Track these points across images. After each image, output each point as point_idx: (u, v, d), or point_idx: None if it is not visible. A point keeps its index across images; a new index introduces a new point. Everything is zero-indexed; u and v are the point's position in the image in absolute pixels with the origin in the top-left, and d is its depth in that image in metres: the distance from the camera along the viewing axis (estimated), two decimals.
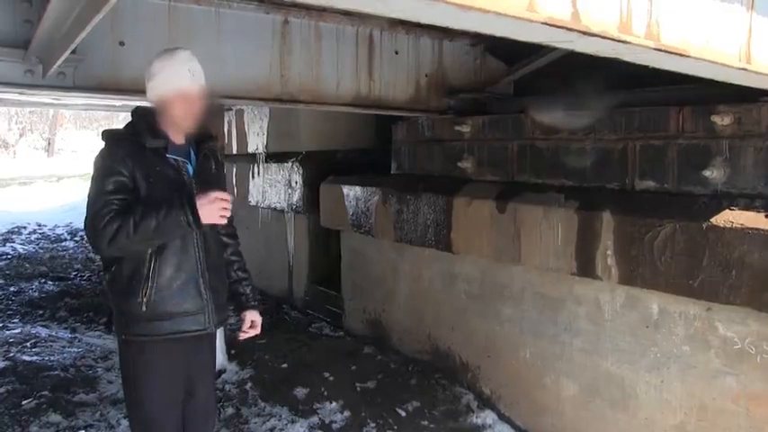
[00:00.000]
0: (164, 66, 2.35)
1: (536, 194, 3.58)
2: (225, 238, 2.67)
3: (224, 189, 2.67)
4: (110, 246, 2.21)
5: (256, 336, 2.73)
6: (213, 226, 2.50)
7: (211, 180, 2.52)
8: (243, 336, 2.71)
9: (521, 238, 3.56)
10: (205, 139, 2.53)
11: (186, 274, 2.36)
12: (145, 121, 2.40)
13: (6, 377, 4.23)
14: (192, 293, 2.37)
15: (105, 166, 2.30)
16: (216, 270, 2.49)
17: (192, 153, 2.49)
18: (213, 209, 2.29)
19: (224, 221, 2.37)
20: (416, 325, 4.62)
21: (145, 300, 2.29)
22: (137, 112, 2.45)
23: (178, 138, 2.43)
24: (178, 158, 2.40)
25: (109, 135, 2.41)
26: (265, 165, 6.51)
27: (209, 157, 2.55)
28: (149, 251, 2.30)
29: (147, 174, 2.30)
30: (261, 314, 2.74)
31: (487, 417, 3.82)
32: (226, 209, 2.32)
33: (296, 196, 5.94)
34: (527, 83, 4.40)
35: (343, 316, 5.51)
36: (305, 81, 3.65)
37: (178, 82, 2.33)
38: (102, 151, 2.35)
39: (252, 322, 2.69)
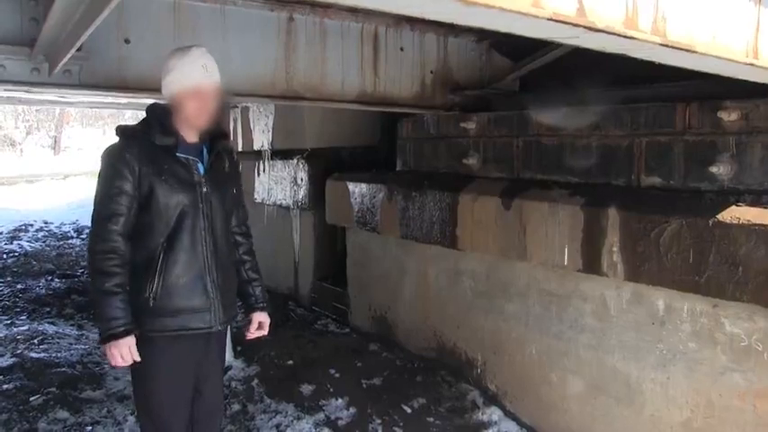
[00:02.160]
0: (178, 62, 2.35)
1: (541, 191, 3.57)
2: (237, 237, 2.67)
3: (238, 188, 2.67)
4: (92, 258, 2.30)
5: (263, 335, 2.74)
6: (225, 224, 2.51)
7: (223, 180, 2.52)
8: (250, 336, 2.72)
9: (526, 235, 3.56)
10: (219, 138, 2.52)
11: (194, 272, 2.36)
12: (157, 118, 2.39)
13: (14, 374, 4.26)
14: (199, 291, 2.38)
15: (111, 168, 2.31)
16: (224, 269, 2.48)
17: (206, 152, 2.48)
18: (115, 353, 2.26)
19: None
20: (422, 322, 4.62)
21: (152, 295, 2.30)
22: (151, 109, 2.45)
23: (191, 136, 2.42)
24: (188, 157, 2.39)
25: (121, 131, 2.41)
26: (271, 162, 6.50)
27: (223, 156, 2.54)
28: (159, 248, 2.31)
29: (157, 172, 2.30)
30: (270, 316, 2.74)
31: (493, 413, 3.82)
32: (124, 358, 2.28)
33: (301, 193, 5.94)
34: (533, 79, 4.39)
35: (349, 313, 5.52)
36: (310, 78, 3.64)
37: (192, 78, 2.33)
38: (110, 148, 2.36)
39: (260, 324, 2.70)
